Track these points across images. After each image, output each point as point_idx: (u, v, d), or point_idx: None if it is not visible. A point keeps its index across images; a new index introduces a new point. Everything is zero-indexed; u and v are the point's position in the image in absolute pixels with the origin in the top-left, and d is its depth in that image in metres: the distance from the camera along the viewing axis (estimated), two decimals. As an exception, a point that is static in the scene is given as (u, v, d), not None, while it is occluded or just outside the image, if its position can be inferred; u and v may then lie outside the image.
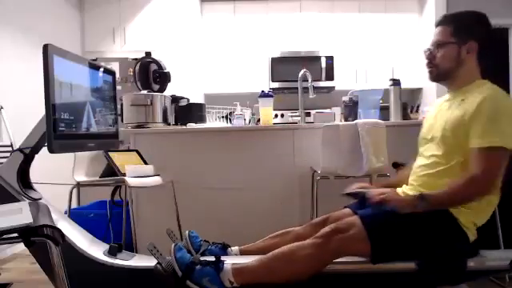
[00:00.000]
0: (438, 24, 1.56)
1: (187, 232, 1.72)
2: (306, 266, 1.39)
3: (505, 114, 1.36)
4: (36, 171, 1.66)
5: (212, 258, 1.46)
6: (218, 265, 1.42)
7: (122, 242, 2.07)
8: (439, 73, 1.55)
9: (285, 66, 4.75)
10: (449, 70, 1.51)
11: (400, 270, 1.43)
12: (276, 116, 4.75)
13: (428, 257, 1.40)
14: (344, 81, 4.77)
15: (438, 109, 1.60)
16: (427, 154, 1.53)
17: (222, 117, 3.19)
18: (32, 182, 1.61)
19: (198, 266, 1.42)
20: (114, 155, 2.14)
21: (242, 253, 1.68)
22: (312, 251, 1.38)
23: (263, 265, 1.42)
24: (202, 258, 1.48)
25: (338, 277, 1.47)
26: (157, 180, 2.19)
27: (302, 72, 2.84)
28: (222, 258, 1.46)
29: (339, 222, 1.43)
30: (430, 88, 4.73)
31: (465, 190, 1.36)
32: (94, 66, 1.72)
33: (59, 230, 1.09)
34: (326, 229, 1.41)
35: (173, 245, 1.48)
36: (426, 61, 1.59)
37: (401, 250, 1.40)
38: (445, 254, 1.40)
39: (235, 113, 2.96)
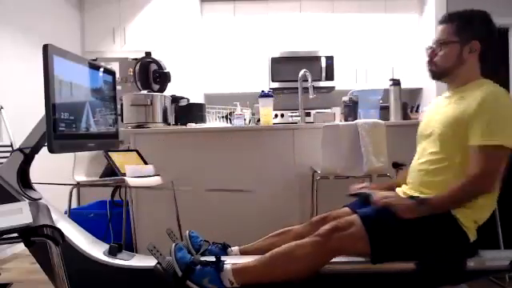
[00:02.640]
0: (441, 22, 1.56)
1: (187, 232, 1.72)
2: (306, 264, 1.39)
3: (505, 114, 1.36)
4: (36, 171, 1.66)
5: (212, 258, 1.45)
6: (218, 265, 1.42)
7: (122, 242, 2.07)
8: (440, 71, 1.55)
9: (285, 66, 4.75)
10: (450, 68, 1.51)
11: (400, 270, 1.43)
12: (276, 116, 4.75)
13: (428, 257, 1.40)
14: (344, 81, 4.77)
15: (437, 105, 1.60)
16: (426, 152, 1.53)
17: (222, 117, 3.19)
18: (32, 182, 1.61)
19: (199, 267, 1.42)
20: (113, 155, 2.14)
21: (242, 253, 1.68)
22: (311, 250, 1.38)
23: (263, 264, 1.42)
24: (202, 258, 1.48)
25: (338, 276, 1.47)
26: (157, 180, 2.19)
27: (302, 72, 2.85)
28: (222, 258, 1.46)
29: (338, 221, 1.43)
30: (430, 88, 4.73)
31: (465, 191, 1.36)
32: (94, 66, 1.72)
33: (59, 230, 1.09)
34: (326, 227, 1.41)
35: (173, 245, 1.48)
36: (427, 58, 1.59)
37: (400, 250, 1.40)
38: (444, 254, 1.40)
39: (235, 113, 2.96)
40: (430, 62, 1.57)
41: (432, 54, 1.56)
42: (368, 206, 1.51)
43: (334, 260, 1.43)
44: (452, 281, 1.46)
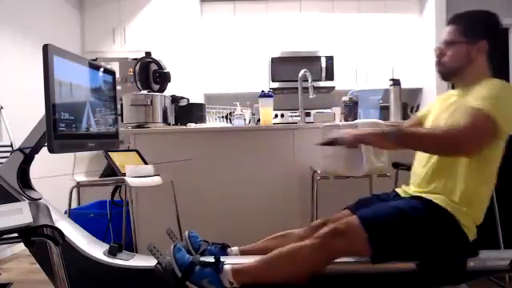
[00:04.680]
0: (449, 22, 1.56)
1: (187, 232, 1.72)
2: (305, 266, 1.39)
3: (503, 97, 1.36)
4: (36, 171, 1.66)
5: (212, 259, 1.46)
6: (217, 266, 1.42)
7: (122, 242, 2.07)
8: (448, 71, 1.55)
9: (285, 66, 4.75)
10: (458, 68, 1.52)
11: (400, 270, 1.43)
12: (276, 116, 4.75)
13: (428, 258, 1.40)
14: (344, 81, 4.77)
15: (444, 103, 1.59)
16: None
17: (222, 117, 3.19)
18: (31, 178, 1.60)
19: (198, 267, 1.42)
20: (113, 155, 2.14)
21: (242, 253, 1.68)
22: (311, 252, 1.38)
23: (263, 265, 1.42)
24: (201, 259, 1.48)
25: (337, 277, 1.47)
26: (157, 180, 2.19)
27: (302, 72, 2.85)
28: (222, 258, 1.46)
29: (338, 223, 1.43)
30: (430, 88, 4.73)
31: (442, 138, 1.34)
32: (93, 66, 1.72)
33: (59, 230, 1.09)
34: (325, 229, 1.40)
35: (172, 245, 1.48)
36: (435, 59, 1.58)
37: (401, 251, 1.40)
38: (445, 254, 1.40)
39: (235, 113, 2.96)
40: (439, 63, 1.57)
41: (440, 54, 1.56)
42: (368, 207, 1.51)
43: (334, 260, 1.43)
44: (453, 281, 1.46)
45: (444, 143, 1.35)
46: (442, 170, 1.46)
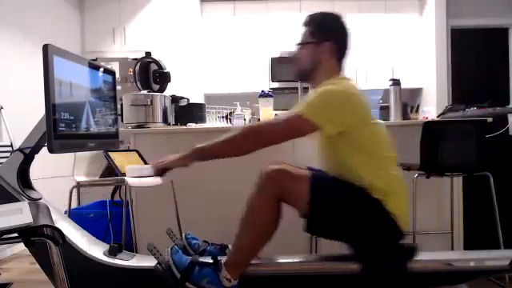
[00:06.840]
0: (303, 24, 1.62)
1: (184, 234, 1.73)
2: (262, 217, 1.44)
3: (326, 95, 1.41)
4: (36, 171, 1.66)
5: (210, 259, 1.46)
6: (216, 265, 1.43)
7: (122, 241, 2.07)
8: (300, 72, 1.61)
9: (285, 66, 4.75)
10: (308, 69, 1.58)
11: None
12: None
13: (357, 237, 1.43)
14: (344, 81, 4.77)
15: None
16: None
17: (222, 117, 3.19)
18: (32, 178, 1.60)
19: (197, 268, 1.43)
20: (113, 155, 2.14)
21: None
22: (258, 199, 1.46)
23: (236, 244, 1.46)
24: (200, 259, 1.48)
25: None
26: (157, 180, 2.19)
27: (302, 72, 2.84)
28: (219, 258, 1.46)
29: (289, 166, 1.46)
30: (430, 88, 4.73)
31: (239, 137, 1.47)
32: (93, 66, 1.72)
33: (59, 230, 1.09)
34: (274, 167, 1.44)
35: (169, 248, 1.49)
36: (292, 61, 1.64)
37: (334, 223, 1.41)
38: (373, 236, 1.42)
39: (235, 113, 2.96)
40: (293, 64, 1.63)
41: (294, 56, 1.62)
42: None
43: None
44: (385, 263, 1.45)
45: (241, 145, 1.51)
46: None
